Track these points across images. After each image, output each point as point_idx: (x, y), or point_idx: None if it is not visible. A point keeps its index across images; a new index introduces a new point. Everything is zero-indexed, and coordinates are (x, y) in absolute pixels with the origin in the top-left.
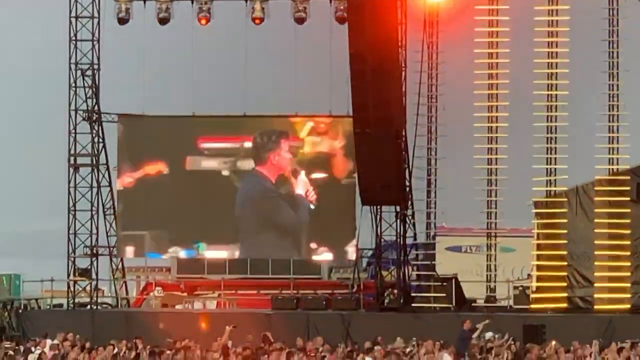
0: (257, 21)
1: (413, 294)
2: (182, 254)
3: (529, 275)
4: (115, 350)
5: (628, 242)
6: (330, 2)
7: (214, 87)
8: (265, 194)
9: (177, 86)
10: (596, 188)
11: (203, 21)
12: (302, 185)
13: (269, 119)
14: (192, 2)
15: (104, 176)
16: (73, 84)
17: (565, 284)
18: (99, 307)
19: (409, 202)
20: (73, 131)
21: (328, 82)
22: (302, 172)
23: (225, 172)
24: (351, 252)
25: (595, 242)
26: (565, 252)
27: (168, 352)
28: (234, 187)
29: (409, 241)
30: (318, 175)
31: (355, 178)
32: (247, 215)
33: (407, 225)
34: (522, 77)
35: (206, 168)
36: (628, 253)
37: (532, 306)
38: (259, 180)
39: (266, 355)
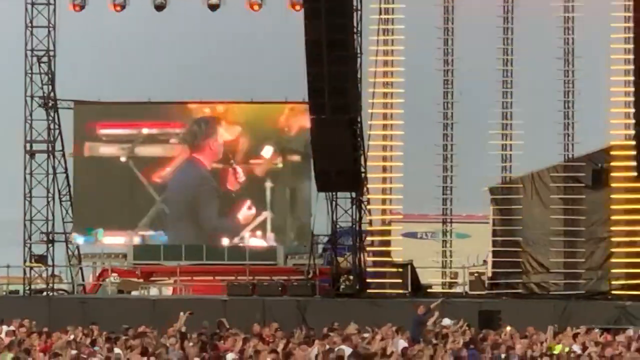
0: (212, 8)
1: (368, 280)
2: (80, 240)
3: (485, 262)
4: (72, 336)
5: (583, 228)
6: None
7: (171, 73)
8: (200, 181)
9: (134, 72)
10: (551, 174)
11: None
12: (235, 180)
13: (167, 105)
14: None
15: (59, 162)
16: (29, 71)
17: (520, 270)
18: (55, 293)
19: (365, 188)
20: (29, 118)
21: (284, 68)
22: (239, 169)
23: (123, 159)
24: (247, 237)
25: (551, 228)
26: (520, 238)
27: (124, 338)
28: (133, 174)
29: (365, 227)
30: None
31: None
32: (177, 201)
33: (362, 211)
34: (478, 63)
35: (104, 154)
36: (583, 239)
37: (488, 292)
38: (195, 168)
39: (222, 341)
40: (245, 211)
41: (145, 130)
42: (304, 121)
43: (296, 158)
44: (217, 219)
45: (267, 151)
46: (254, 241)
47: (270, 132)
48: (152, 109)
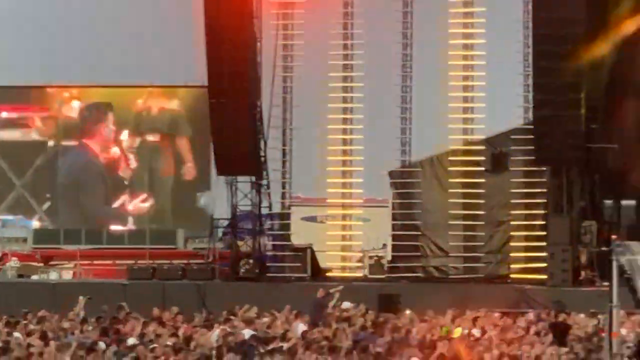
0: None
1: (268, 264)
2: None
3: (384, 245)
4: None
5: (482, 212)
6: None
7: (62, 57)
8: (85, 167)
9: (25, 55)
10: (451, 158)
11: None
12: (127, 166)
13: (27, 89)
14: None
15: None
16: None
17: (420, 254)
18: None
19: (265, 173)
20: None
21: (182, 52)
22: (130, 155)
23: None
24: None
25: (450, 212)
26: (420, 222)
27: (24, 322)
28: None
29: (265, 211)
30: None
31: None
32: (64, 186)
33: (262, 196)
34: (377, 47)
35: None
36: (482, 223)
37: (387, 276)
38: (82, 153)
39: (121, 325)
40: (125, 198)
41: (4, 115)
42: (164, 102)
43: (155, 139)
44: (100, 204)
45: (125, 134)
46: (114, 225)
47: (129, 114)
48: (12, 93)
